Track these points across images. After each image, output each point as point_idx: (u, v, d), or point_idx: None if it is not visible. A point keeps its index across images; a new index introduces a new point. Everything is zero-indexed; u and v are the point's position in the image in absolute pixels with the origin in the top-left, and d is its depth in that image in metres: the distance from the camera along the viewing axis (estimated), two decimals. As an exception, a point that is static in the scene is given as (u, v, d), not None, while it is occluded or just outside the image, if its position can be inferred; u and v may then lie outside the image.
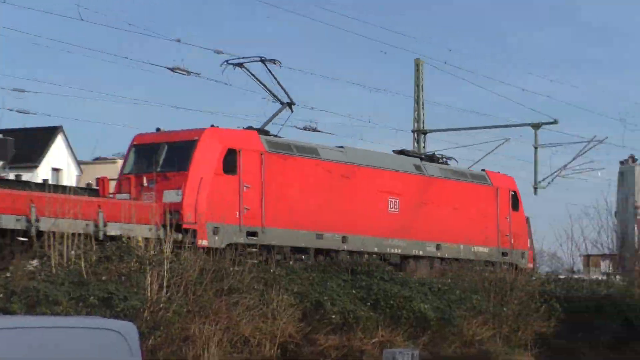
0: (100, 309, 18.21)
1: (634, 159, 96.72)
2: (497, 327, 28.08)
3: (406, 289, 25.69)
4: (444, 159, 37.45)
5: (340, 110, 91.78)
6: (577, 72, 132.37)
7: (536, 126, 54.74)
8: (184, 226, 25.91)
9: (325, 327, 23.03)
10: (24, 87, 44.84)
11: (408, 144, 55.59)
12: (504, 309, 28.55)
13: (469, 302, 27.48)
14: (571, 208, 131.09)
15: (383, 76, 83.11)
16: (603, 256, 46.31)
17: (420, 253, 33.38)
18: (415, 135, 54.07)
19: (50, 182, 52.73)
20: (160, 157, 27.73)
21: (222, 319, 20.83)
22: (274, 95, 32.77)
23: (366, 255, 30.02)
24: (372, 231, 31.52)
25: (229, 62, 31.83)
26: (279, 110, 32.37)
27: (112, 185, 28.43)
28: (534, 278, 31.72)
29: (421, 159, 36.16)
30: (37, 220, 22.38)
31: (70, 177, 56.22)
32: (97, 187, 29.32)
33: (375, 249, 31.35)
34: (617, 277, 36.97)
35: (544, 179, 51.22)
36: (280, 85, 32.27)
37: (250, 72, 31.84)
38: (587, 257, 49.72)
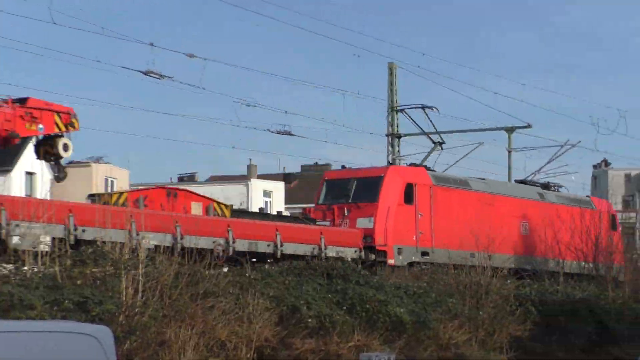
0: (75, 313, 18.08)
1: (607, 163, 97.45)
2: (473, 330, 28.11)
3: (381, 292, 25.68)
4: (556, 187, 44.13)
5: (314, 114, 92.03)
6: (549, 77, 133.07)
7: (510, 130, 55.00)
8: (377, 248, 32.68)
9: (301, 331, 22.97)
10: (-4, 90, 44.53)
11: (382, 148, 55.68)
12: (480, 312, 28.60)
13: (444, 306, 27.51)
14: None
15: (356, 80, 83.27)
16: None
17: (546, 269, 38.01)
18: (389, 139, 54.13)
19: (24, 186, 52.59)
20: (351, 190, 34.31)
21: (198, 323, 20.74)
22: (427, 136, 41.30)
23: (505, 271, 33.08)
24: (510, 250, 37.24)
25: (394, 108, 42.80)
26: (432, 149, 40.59)
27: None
28: (508, 282, 31.80)
29: (541, 187, 42.85)
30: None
31: (44, 181, 55.94)
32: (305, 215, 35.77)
33: (513, 265, 36.10)
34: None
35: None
36: (434, 127, 40.64)
37: (410, 117, 41.28)
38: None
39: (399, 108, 41.34)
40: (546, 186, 43.53)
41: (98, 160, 66.49)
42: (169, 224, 27.07)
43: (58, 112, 26.02)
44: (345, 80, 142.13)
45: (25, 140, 29.83)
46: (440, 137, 40.72)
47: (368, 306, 24.70)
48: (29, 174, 57.81)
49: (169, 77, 36.05)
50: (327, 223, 33.34)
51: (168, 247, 25.67)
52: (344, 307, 24.32)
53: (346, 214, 33.55)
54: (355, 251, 32.11)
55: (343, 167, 38.04)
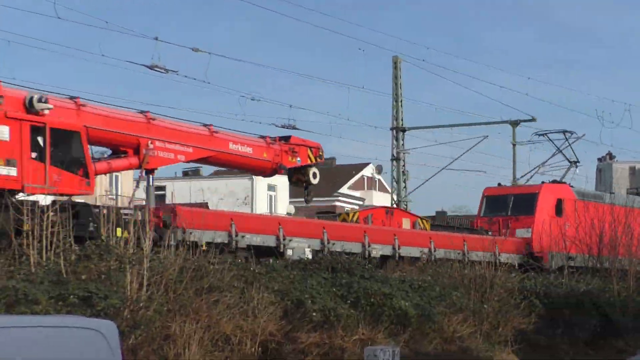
0: (80, 308, 18.10)
1: (611, 156, 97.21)
2: (478, 324, 28.13)
3: (386, 286, 25.70)
4: None
5: (319, 108, 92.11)
6: (554, 72, 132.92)
7: (514, 123, 55.00)
8: (535, 254, 39.11)
9: (306, 325, 23.00)
10: None
11: (387, 142, 55.64)
12: (484, 305, 28.62)
13: (449, 299, 27.53)
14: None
15: (361, 74, 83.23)
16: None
17: None
18: (394, 132, 54.13)
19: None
20: (509, 205, 41.21)
21: (202, 318, 20.77)
22: (564, 156, 47.15)
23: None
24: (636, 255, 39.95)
25: (537, 133, 47.63)
26: (568, 169, 46.66)
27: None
28: (513, 275, 31.83)
29: None
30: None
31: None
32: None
33: None
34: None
35: (522, 176, 51.37)
36: (572, 149, 46.62)
37: (550, 139, 46.75)
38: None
39: (541, 133, 47.85)
40: None
41: (102, 155, 66.39)
42: (390, 237, 34.21)
43: (310, 147, 32.79)
44: (350, 75, 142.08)
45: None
46: (576, 157, 46.92)
47: (373, 300, 24.72)
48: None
49: (173, 71, 36.08)
50: (490, 233, 39.52)
51: (389, 256, 33.35)
52: (349, 301, 24.34)
53: (506, 225, 39.83)
54: (521, 257, 38.99)
55: (499, 184, 45.16)
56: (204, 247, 25.05)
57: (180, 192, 45.97)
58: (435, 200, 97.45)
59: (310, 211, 47.88)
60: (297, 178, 32.94)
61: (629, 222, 40.64)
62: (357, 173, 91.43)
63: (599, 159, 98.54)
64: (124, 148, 27.40)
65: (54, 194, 23.98)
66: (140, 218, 23.53)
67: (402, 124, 53.93)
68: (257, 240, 29.41)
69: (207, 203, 34.98)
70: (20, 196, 23.49)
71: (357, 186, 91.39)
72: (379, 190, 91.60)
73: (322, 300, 23.30)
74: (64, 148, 24.96)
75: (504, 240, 37.48)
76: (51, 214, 20.66)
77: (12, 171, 23.39)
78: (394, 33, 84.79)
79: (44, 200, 23.23)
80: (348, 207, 73.60)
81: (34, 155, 23.96)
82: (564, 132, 47.17)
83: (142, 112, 28.22)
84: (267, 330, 21.85)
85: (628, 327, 33.87)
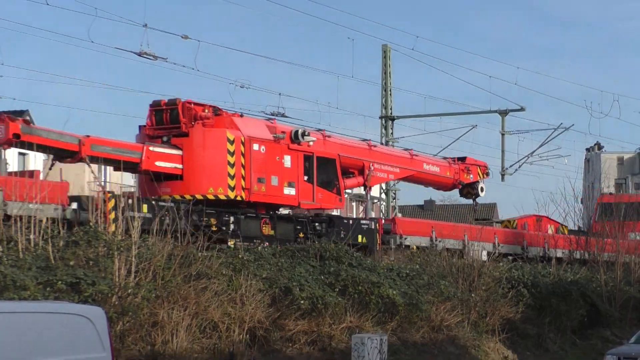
0: (68, 294, 18.10)
1: (599, 146, 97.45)
2: (465, 312, 28.19)
3: (374, 274, 25.70)
4: None
5: (308, 96, 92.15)
6: (544, 61, 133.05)
7: (503, 113, 54.92)
8: None
9: (294, 312, 23.02)
10: (-11, 71, 44.46)
11: (376, 131, 55.68)
12: (472, 294, 28.66)
13: (436, 288, 27.56)
14: (538, 194, 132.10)
15: (350, 63, 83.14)
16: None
17: None
18: (383, 121, 54.10)
19: (16, 166, 52.65)
20: (621, 212, 43.90)
21: (190, 305, 20.77)
22: None
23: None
24: None
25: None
26: None
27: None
28: (501, 264, 31.86)
29: None
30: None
31: (36, 162, 55.81)
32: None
33: None
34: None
35: (511, 166, 51.60)
36: None
37: None
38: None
39: None
40: None
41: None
42: (542, 241, 40.82)
43: (479, 166, 39.86)
44: (339, 63, 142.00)
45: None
46: None
47: (361, 288, 24.74)
48: (22, 154, 57.78)
49: (163, 58, 35.99)
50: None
51: (542, 256, 39.39)
52: (337, 289, 24.35)
53: (620, 229, 41.33)
54: None
55: (610, 193, 50.73)
56: (414, 249, 32.79)
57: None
58: (423, 190, 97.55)
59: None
60: (468, 191, 39.72)
61: None
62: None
63: (587, 150, 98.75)
64: (352, 170, 34.06)
65: (318, 209, 31.63)
66: (372, 227, 32.64)
67: (391, 113, 53.86)
68: (451, 243, 36.03)
69: None
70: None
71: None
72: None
73: (310, 288, 23.31)
74: (324, 172, 31.68)
75: (629, 243, 40.49)
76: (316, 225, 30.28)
77: (292, 191, 30.21)
78: (384, 22, 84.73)
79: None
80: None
81: (305, 178, 30.79)
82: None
83: (364, 140, 35.29)
84: (255, 317, 21.85)
85: (615, 317, 34.01)
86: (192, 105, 28.74)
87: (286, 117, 44.59)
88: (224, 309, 21.45)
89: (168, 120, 28.72)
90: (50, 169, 27.82)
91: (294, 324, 23.05)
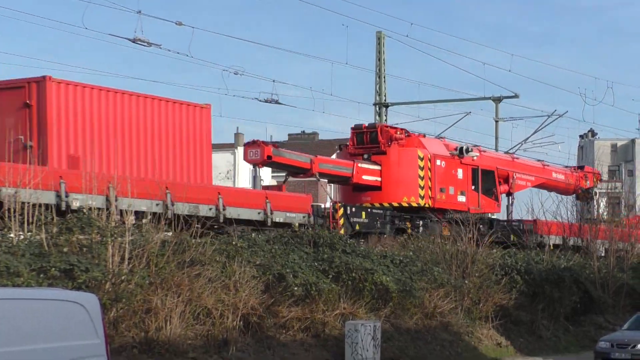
0: (61, 280, 18.08)
1: (593, 133, 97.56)
2: (459, 299, 28.22)
3: (368, 261, 25.71)
4: None
5: (302, 83, 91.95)
6: (538, 48, 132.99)
7: (497, 100, 54.98)
8: None
9: (287, 299, 23.02)
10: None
11: (370, 117, 55.63)
12: (466, 281, 28.69)
13: (430, 274, 27.58)
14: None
15: (345, 50, 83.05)
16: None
17: None
18: (377, 108, 54.09)
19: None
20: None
21: (184, 291, 20.76)
22: None
23: None
24: None
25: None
26: None
27: None
28: (494, 251, 31.87)
29: None
30: None
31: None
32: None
33: None
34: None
35: (506, 152, 51.59)
36: None
37: None
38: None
39: None
40: None
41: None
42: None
43: (595, 173, 46.23)
44: (334, 50, 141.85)
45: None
46: None
47: (354, 274, 24.74)
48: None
49: (156, 44, 36.03)
50: None
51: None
52: (330, 276, 24.35)
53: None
54: None
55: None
56: (551, 247, 35.44)
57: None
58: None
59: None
60: (584, 196, 44.55)
61: None
62: (339, 148, 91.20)
63: (581, 137, 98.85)
64: (500, 179, 39.67)
65: (481, 213, 36.92)
66: (521, 227, 38.04)
67: (384, 100, 53.89)
68: (574, 241, 38.49)
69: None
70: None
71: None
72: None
73: (303, 275, 23.31)
74: (486, 181, 38.35)
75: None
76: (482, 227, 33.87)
77: (463, 199, 36.81)
78: (378, 8, 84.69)
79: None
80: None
81: (472, 187, 37.41)
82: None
83: (507, 152, 42.37)
84: (248, 304, 21.86)
85: (608, 304, 34.07)
86: (388, 128, 36.53)
87: (280, 103, 44.58)
88: (218, 295, 21.45)
89: (368, 141, 35.89)
90: (284, 183, 35.55)
91: (287, 310, 23.06)
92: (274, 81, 43.55)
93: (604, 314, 33.92)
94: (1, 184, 22.34)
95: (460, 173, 37.05)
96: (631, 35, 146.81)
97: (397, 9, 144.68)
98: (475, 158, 37.58)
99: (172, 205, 26.55)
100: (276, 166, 35.24)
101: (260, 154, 32.07)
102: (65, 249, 19.39)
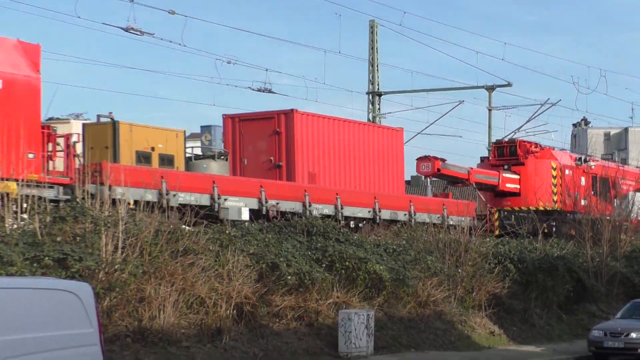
0: (55, 269, 18.08)
1: (586, 122, 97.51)
2: (452, 288, 28.24)
3: (361, 250, 25.72)
4: None
5: (295, 72, 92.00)
6: (531, 36, 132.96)
7: (490, 89, 54.99)
8: None
9: (281, 288, 23.03)
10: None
11: (363, 107, 55.67)
12: (459, 270, 28.70)
13: (423, 263, 27.60)
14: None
15: (338, 38, 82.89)
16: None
17: None
18: (370, 97, 54.05)
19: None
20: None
21: (177, 280, 20.77)
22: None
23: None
24: None
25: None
26: None
27: None
28: (487, 239, 31.88)
29: None
30: None
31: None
32: None
33: None
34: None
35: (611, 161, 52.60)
36: None
37: None
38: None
39: None
40: None
41: (78, 116, 65.96)
42: None
43: None
44: (327, 39, 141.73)
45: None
46: None
47: (348, 263, 24.76)
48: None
49: (149, 33, 35.97)
50: None
51: None
52: (324, 265, 24.37)
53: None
54: None
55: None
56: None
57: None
58: (410, 165, 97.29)
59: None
60: None
61: None
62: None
63: (574, 125, 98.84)
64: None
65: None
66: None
67: (378, 89, 53.85)
68: None
69: None
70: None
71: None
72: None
73: (297, 264, 23.32)
74: (602, 187, 42.47)
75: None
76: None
77: (584, 202, 40.42)
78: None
79: None
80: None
81: (592, 192, 41.80)
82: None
83: (613, 160, 45.01)
84: (242, 293, 21.86)
85: (601, 292, 34.10)
86: (525, 143, 42.36)
87: (273, 92, 44.53)
88: (211, 284, 21.45)
89: (508, 154, 41.93)
90: (444, 191, 42.62)
91: (281, 299, 23.08)
92: (267, 70, 43.67)
93: (597, 302, 33.95)
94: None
95: (582, 180, 42.58)
96: (624, 24, 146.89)
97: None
98: (593, 167, 43.33)
99: (379, 212, 34.22)
100: (441, 177, 41.12)
101: (431, 167, 38.37)
102: (58, 238, 19.38)
